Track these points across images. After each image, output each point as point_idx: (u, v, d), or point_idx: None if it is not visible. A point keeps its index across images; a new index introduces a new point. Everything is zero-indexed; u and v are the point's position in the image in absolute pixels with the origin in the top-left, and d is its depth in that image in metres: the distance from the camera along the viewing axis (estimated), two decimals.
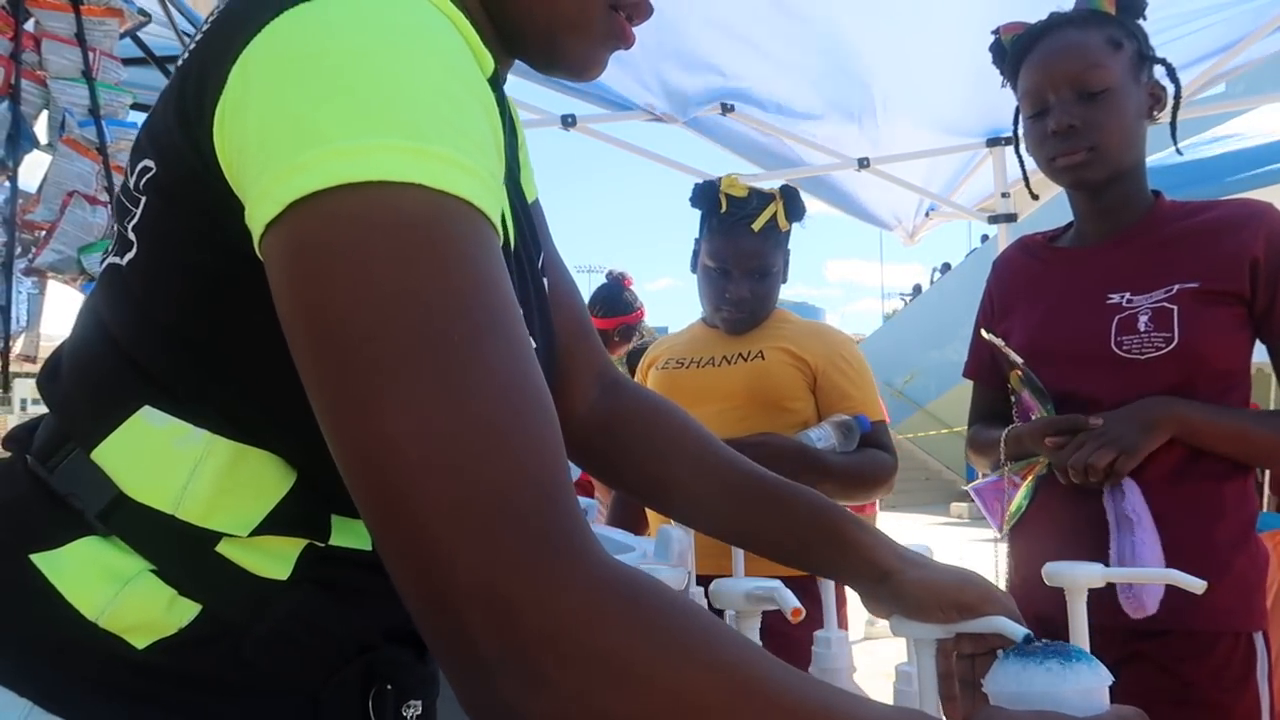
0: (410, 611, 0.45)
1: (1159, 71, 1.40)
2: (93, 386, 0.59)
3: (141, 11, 2.59)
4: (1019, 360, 1.38)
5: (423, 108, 0.47)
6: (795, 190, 1.93)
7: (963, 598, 0.74)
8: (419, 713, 0.62)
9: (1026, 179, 1.55)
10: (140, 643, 0.54)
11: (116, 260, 0.59)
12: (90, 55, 2.39)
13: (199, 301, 0.55)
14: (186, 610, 0.55)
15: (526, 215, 0.73)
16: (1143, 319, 1.29)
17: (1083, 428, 1.27)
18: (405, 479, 0.43)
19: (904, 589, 0.76)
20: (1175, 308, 1.27)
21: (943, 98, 3.08)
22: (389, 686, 0.60)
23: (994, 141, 3.32)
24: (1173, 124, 1.42)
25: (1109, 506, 1.27)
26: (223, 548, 0.56)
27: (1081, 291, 1.37)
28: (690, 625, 0.46)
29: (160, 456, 0.56)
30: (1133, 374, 1.29)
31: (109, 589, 0.54)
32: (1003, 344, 1.40)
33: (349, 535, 0.60)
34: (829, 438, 1.76)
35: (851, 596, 1.87)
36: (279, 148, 0.47)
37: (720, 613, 0.96)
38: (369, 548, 0.59)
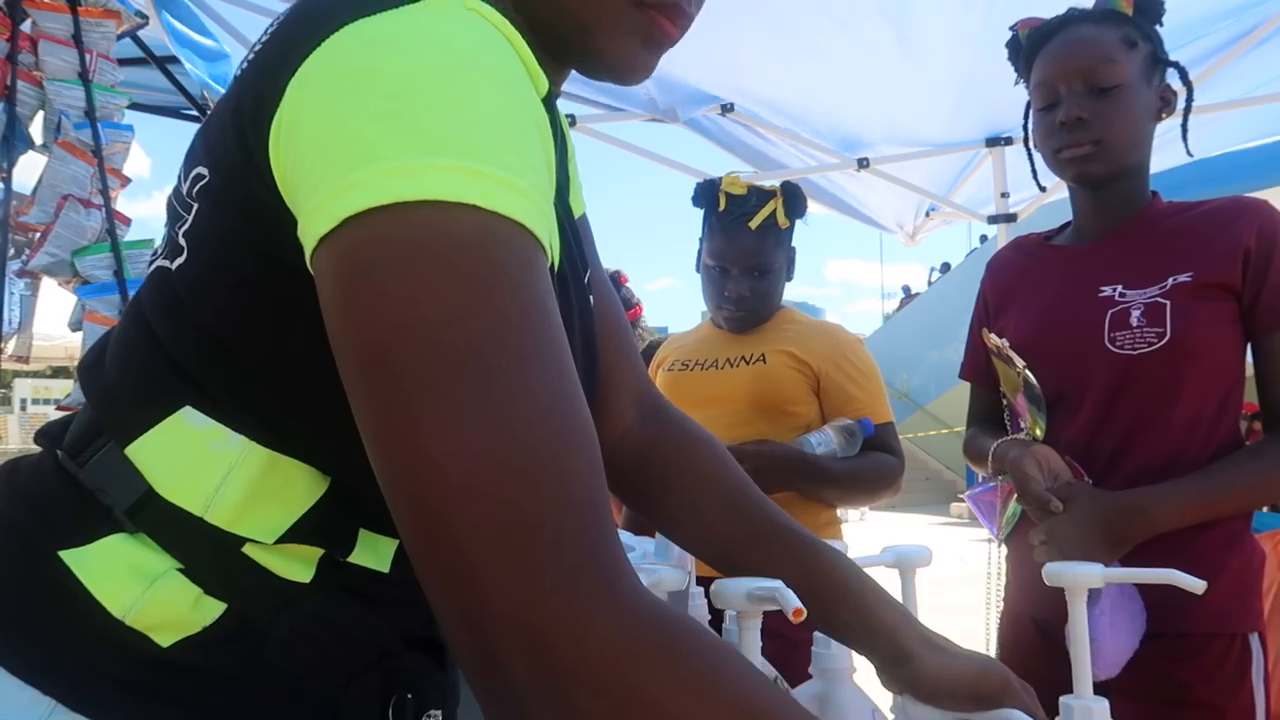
0: (445, 631, 0.44)
1: (1169, 74, 1.40)
2: (135, 381, 0.59)
3: (139, 14, 2.58)
4: (1021, 363, 1.37)
5: (478, 128, 0.47)
6: (796, 187, 1.92)
7: (980, 689, 0.73)
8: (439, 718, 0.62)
9: (1034, 171, 1.55)
10: (165, 641, 0.55)
11: (166, 264, 0.60)
12: (87, 57, 2.38)
13: (245, 311, 0.55)
14: (212, 609, 0.56)
15: (574, 231, 0.72)
16: (1135, 314, 1.29)
17: (1050, 508, 1.24)
18: (445, 501, 0.43)
19: (923, 675, 0.74)
20: (1168, 303, 1.27)
21: (943, 98, 3.08)
22: (409, 695, 0.60)
23: (994, 142, 3.31)
24: (1184, 127, 1.41)
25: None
26: (248, 550, 0.57)
27: (1075, 287, 1.37)
28: (722, 667, 0.46)
29: (196, 458, 0.56)
30: (1125, 369, 1.28)
31: (137, 587, 0.55)
32: (1006, 344, 1.40)
33: (370, 555, 0.60)
34: (829, 442, 1.75)
35: None
36: (333, 164, 0.47)
37: (721, 613, 0.96)
38: (386, 569, 0.60)
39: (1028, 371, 1.37)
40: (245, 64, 0.57)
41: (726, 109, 3.22)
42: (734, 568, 0.80)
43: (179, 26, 2.79)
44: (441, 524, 0.43)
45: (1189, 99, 1.40)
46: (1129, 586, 1.22)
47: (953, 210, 3.85)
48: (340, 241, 0.46)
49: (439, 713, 0.62)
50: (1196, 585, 0.84)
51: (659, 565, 0.97)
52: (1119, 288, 1.32)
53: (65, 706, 0.54)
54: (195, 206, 0.58)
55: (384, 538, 0.61)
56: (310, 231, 0.48)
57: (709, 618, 1.18)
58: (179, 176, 0.61)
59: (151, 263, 0.62)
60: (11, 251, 2.35)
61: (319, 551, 0.59)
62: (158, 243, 0.65)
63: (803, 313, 2.04)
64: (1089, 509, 1.23)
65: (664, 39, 0.65)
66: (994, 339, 1.44)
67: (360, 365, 0.46)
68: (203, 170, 0.57)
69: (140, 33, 2.70)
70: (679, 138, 3.53)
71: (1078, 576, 0.83)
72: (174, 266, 0.59)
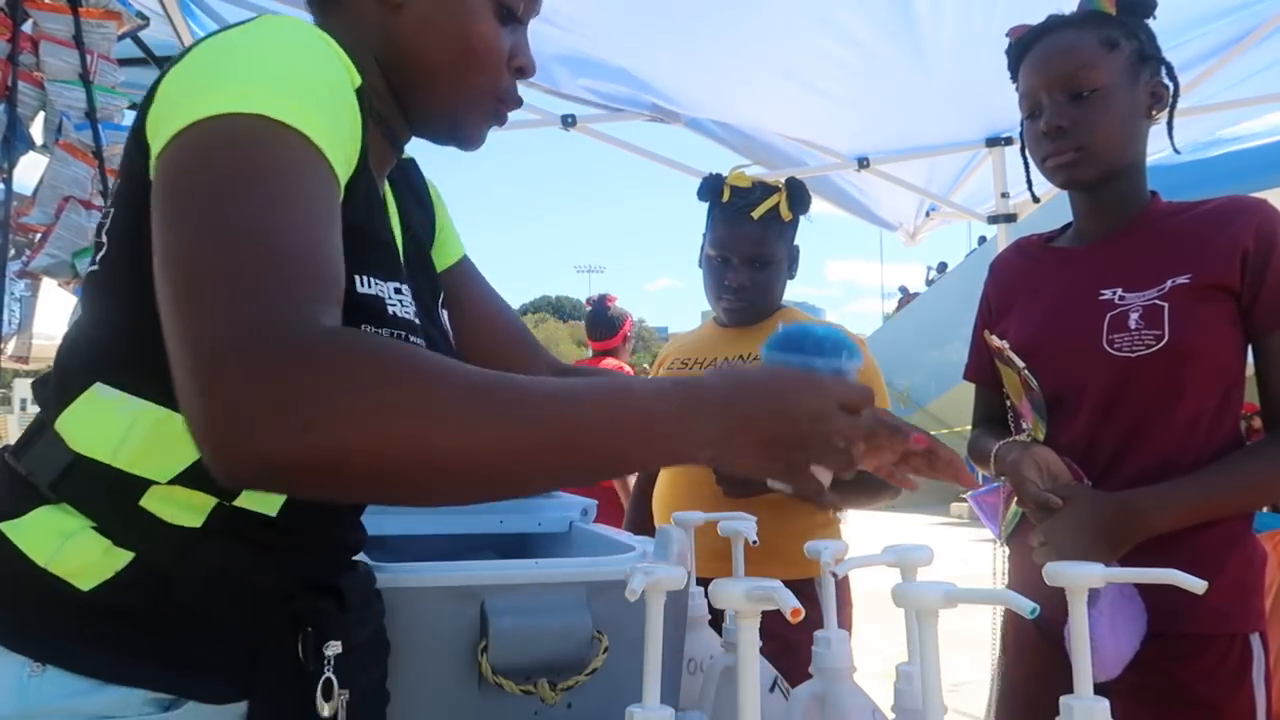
0: (183, 394, 0.56)
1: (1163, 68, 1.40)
2: (61, 374, 0.75)
3: (140, 14, 2.58)
4: (1021, 364, 1.37)
5: (281, 76, 0.66)
6: (800, 183, 1.93)
7: None
8: (339, 651, 0.74)
9: (1030, 181, 1.56)
10: (85, 585, 0.69)
11: (94, 268, 0.75)
12: (88, 58, 2.38)
13: (145, 292, 0.65)
14: (121, 557, 0.70)
15: (427, 265, 0.96)
16: (1134, 316, 1.29)
17: (1051, 506, 1.25)
18: (194, 273, 0.58)
19: None
20: (1166, 305, 1.27)
21: (943, 98, 3.08)
22: (310, 629, 0.73)
23: (994, 142, 3.31)
24: (1169, 124, 1.41)
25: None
26: (146, 501, 0.71)
27: (1076, 289, 1.37)
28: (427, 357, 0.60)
29: (105, 419, 0.71)
30: (1124, 371, 1.28)
31: (56, 541, 0.69)
32: (1007, 346, 1.40)
33: (257, 500, 0.74)
34: None
35: (854, 598, 1.86)
36: (174, 106, 0.65)
37: (720, 613, 0.96)
38: (274, 514, 0.74)
39: (1028, 373, 1.37)
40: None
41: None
42: None
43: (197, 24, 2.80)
44: (188, 285, 0.57)
45: (1174, 96, 1.39)
46: (1129, 588, 1.22)
47: (953, 210, 3.85)
48: (170, 146, 0.63)
49: (339, 643, 0.74)
50: (1197, 585, 0.84)
51: (658, 565, 0.97)
52: (1118, 290, 1.32)
53: (4, 647, 0.68)
54: (113, 209, 0.73)
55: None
56: (155, 150, 0.65)
57: (709, 617, 1.19)
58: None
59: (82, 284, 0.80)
60: (12, 252, 2.35)
61: (211, 501, 0.72)
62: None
63: (804, 312, 2.04)
64: (1088, 510, 1.23)
65: (499, 122, 0.90)
66: (995, 340, 1.44)
67: (160, 208, 0.62)
68: (116, 182, 0.74)
69: (141, 32, 2.70)
70: (679, 138, 3.54)
71: (1078, 577, 0.83)
72: (98, 261, 0.74)
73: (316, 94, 0.67)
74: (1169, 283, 1.29)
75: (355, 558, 0.89)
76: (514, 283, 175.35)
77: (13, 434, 8.97)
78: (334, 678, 0.73)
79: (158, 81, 0.71)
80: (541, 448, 0.61)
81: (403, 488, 0.59)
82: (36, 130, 2.42)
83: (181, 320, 0.57)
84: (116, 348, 0.72)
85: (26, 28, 2.35)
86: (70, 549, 0.69)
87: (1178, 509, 1.23)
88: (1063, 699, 0.81)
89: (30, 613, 0.69)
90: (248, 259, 0.57)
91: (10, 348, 2.43)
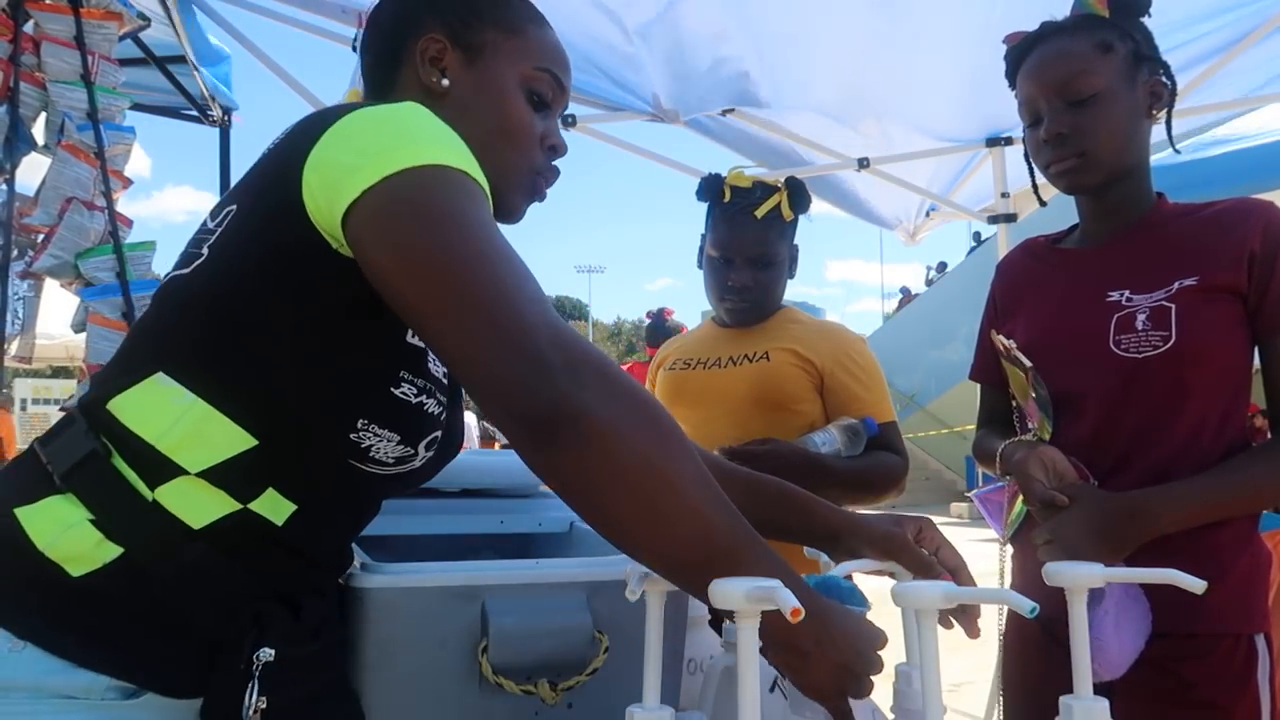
0: (490, 364, 0.69)
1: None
2: (123, 360, 0.85)
3: (141, 15, 2.59)
4: (1029, 364, 1.37)
5: (432, 134, 0.79)
6: (801, 182, 1.93)
7: (882, 543, 0.96)
8: (270, 659, 0.78)
9: (1035, 185, 1.55)
10: (76, 571, 0.75)
11: (180, 272, 0.84)
12: (89, 59, 2.38)
13: (250, 292, 0.79)
14: (111, 551, 0.76)
15: None
16: (1140, 318, 1.29)
17: (1057, 504, 1.24)
18: (470, 274, 0.71)
19: (842, 535, 1.00)
20: (1174, 306, 1.27)
21: (943, 98, 3.08)
22: (255, 632, 0.78)
23: (994, 142, 3.31)
24: (1168, 124, 1.41)
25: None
26: (162, 492, 0.78)
27: (1082, 291, 1.37)
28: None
29: (161, 404, 0.79)
30: (1130, 373, 1.28)
31: (57, 529, 0.76)
32: (1014, 346, 1.40)
33: (269, 508, 0.81)
34: (834, 442, 1.75)
35: None
36: (351, 164, 0.75)
37: (720, 613, 0.96)
38: (280, 523, 0.81)
39: (1035, 373, 1.37)
40: (267, 152, 0.86)
41: (727, 110, 3.22)
42: None
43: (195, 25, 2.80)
44: (485, 307, 0.70)
45: (1173, 94, 1.39)
46: (1134, 587, 1.22)
47: (953, 210, 3.84)
48: (372, 194, 0.74)
49: (271, 650, 0.78)
50: (1197, 585, 0.85)
51: None
52: (1125, 292, 1.32)
53: None
54: (221, 227, 0.83)
55: (286, 500, 0.81)
56: (341, 203, 0.74)
57: (709, 618, 1.19)
58: (206, 219, 0.88)
59: (167, 276, 0.86)
60: (15, 253, 2.35)
61: (224, 500, 0.79)
62: (157, 248, 0.87)
63: (805, 312, 2.04)
64: (1094, 509, 1.23)
65: (539, 197, 0.98)
66: (1002, 341, 1.44)
67: (413, 262, 0.73)
68: (232, 208, 0.83)
69: (142, 34, 2.70)
70: (679, 137, 3.54)
71: (1078, 577, 0.83)
72: (190, 270, 0.83)
73: (463, 149, 0.80)
74: (1176, 284, 1.28)
75: (334, 579, 0.92)
76: None
77: (15, 434, 8.99)
78: (257, 682, 0.78)
79: (292, 152, 0.80)
80: (708, 542, 0.71)
81: (613, 505, 0.70)
82: (38, 131, 2.42)
83: (469, 310, 0.70)
84: (184, 347, 0.80)
85: (28, 29, 2.35)
86: (68, 537, 0.76)
87: (1184, 509, 1.23)
88: (1063, 699, 0.81)
89: (20, 592, 0.75)
90: (509, 267, 0.73)
91: (14, 348, 2.44)
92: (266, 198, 0.81)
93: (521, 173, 0.95)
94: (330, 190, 0.75)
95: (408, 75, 0.94)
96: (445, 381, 0.88)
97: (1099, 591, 1.19)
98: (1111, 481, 1.29)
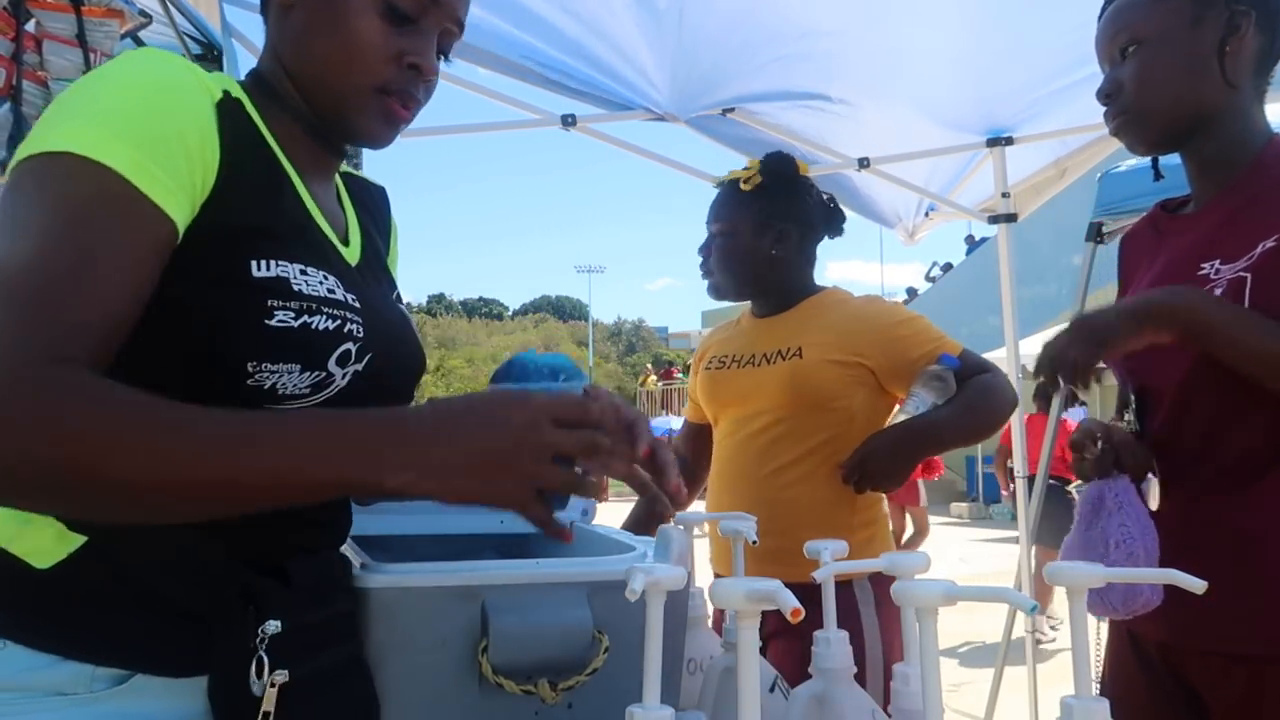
0: None
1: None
2: None
3: (142, 13, 2.59)
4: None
5: (90, 113, 0.74)
6: (779, 154, 1.96)
7: None
8: (277, 631, 0.77)
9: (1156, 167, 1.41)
10: (42, 564, 0.74)
11: None
12: (91, 56, 2.39)
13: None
14: (74, 540, 0.75)
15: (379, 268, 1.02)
16: (1218, 293, 1.16)
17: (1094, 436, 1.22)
18: None
19: None
20: (1249, 276, 1.13)
21: (943, 98, 3.08)
22: (252, 607, 0.77)
23: (994, 141, 3.31)
24: (1263, 58, 1.22)
25: (1092, 496, 1.23)
26: None
27: (1178, 263, 1.25)
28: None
29: None
30: (1203, 355, 1.15)
31: (15, 525, 0.75)
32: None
33: None
34: (924, 402, 1.74)
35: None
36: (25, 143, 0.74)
37: (720, 613, 0.96)
38: None
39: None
40: None
41: (728, 110, 3.22)
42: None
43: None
44: None
45: (1268, 21, 1.20)
46: (1129, 497, 1.19)
47: (953, 210, 3.84)
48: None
49: (276, 622, 0.77)
50: (1196, 585, 0.85)
51: (658, 565, 0.97)
52: (1216, 262, 1.19)
53: None
54: None
55: None
56: None
57: (709, 617, 1.19)
58: None
59: None
60: None
61: None
62: None
63: (845, 292, 2.02)
64: (1120, 303, 1.17)
65: (398, 120, 0.90)
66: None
67: None
68: None
69: (141, 32, 2.70)
70: (679, 137, 3.53)
71: (1078, 576, 0.83)
72: None
73: (136, 126, 0.74)
74: (1260, 248, 1.13)
75: (328, 546, 0.91)
76: (514, 283, 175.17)
77: None
78: (266, 656, 0.76)
79: None
80: (205, 469, 0.67)
81: (75, 502, 0.67)
82: None
83: None
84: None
85: (30, 27, 2.35)
86: (28, 533, 0.75)
87: (1216, 324, 1.11)
88: (1063, 699, 0.81)
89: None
90: (25, 292, 0.67)
91: None
92: None
93: (363, 93, 0.87)
94: None
95: None
96: (334, 294, 0.84)
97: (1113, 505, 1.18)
98: (1193, 470, 1.22)
